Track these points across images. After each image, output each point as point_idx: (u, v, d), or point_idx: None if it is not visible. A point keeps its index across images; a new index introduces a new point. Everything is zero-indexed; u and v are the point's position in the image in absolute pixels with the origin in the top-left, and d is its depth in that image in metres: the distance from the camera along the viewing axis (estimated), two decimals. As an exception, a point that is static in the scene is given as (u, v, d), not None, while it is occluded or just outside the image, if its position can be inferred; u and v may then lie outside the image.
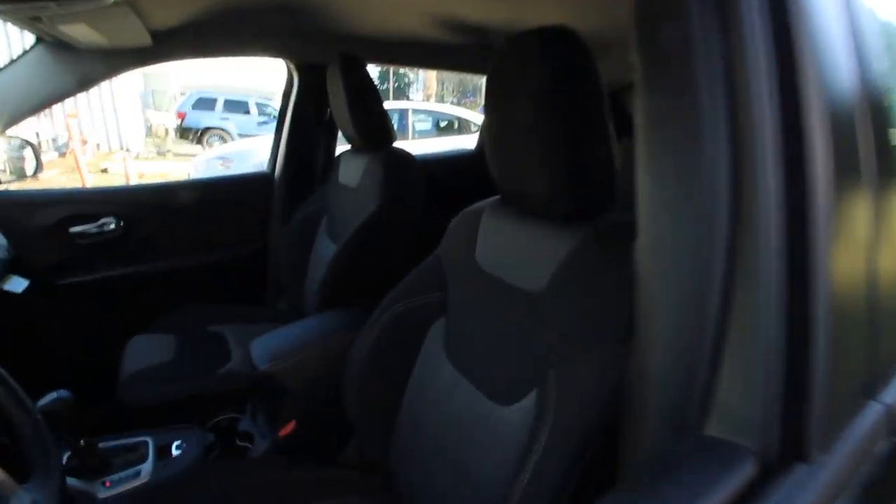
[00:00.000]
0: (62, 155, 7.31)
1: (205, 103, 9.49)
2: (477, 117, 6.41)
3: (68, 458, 0.87)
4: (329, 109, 1.58)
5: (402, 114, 5.99)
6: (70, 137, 6.06)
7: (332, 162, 1.61)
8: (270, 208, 1.66)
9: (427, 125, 6.30)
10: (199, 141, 9.18)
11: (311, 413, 0.98)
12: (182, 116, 9.39)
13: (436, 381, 0.83)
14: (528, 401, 0.65)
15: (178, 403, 1.05)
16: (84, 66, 1.14)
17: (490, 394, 0.73)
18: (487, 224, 0.80)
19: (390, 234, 1.24)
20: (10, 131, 1.20)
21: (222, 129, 9.27)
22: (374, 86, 1.30)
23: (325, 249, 1.40)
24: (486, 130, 0.73)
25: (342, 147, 1.51)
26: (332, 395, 0.97)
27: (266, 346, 0.98)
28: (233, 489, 0.81)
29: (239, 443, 1.04)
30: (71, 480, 0.85)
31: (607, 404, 0.55)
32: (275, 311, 1.53)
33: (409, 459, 0.84)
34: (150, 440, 0.97)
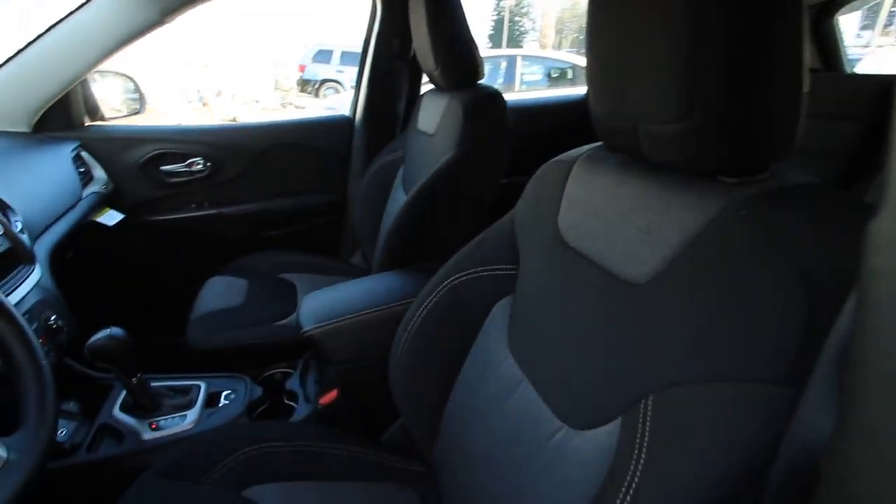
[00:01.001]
0: (204, 104, 8.20)
1: (323, 55, 9.87)
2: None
3: (124, 396, 0.88)
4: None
5: (511, 62, 5.50)
6: (203, 88, 6.70)
7: (412, 105, 1.45)
8: (350, 155, 1.57)
9: (538, 75, 5.76)
10: (317, 93, 9.65)
11: (354, 385, 0.89)
12: (302, 69, 9.90)
13: (493, 374, 0.66)
14: (610, 430, 0.47)
15: (236, 350, 1.02)
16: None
17: (558, 409, 0.54)
18: (578, 180, 0.58)
19: (466, 188, 1.05)
20: (106, 68, 1.23)
21: (336, 82, 9.61)
22: (462, 10, 1.09)
23: (397, 203, 1.27)
24: (590, 42, 0.50)
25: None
26: (378, 367, 0.86)
27: (313, 306, 0.88)
28: (263, 455, 0.74)
29: (286, 401, 0.99)
30: (123, 416, 0.86)
31: (733, 464, 0.34)
32: (347, 266, 1.46)
33: (455, 459, 0.70)
34: (202, 385, 0.96)
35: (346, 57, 9.89)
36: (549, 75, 5.90)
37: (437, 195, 1.02)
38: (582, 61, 6.37)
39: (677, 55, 0.40)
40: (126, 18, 1.10)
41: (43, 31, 1.08)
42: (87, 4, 1.08)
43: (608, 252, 0.51)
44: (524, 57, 5.80)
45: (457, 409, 0.71)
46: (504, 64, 5.51)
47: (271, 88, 10.35)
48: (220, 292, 1.21)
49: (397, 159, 1.36)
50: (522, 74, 5.59)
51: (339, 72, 9.67)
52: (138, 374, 0.85)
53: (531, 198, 0.67)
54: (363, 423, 0.89)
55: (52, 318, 0.83)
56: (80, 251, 1.12)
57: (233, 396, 0.94)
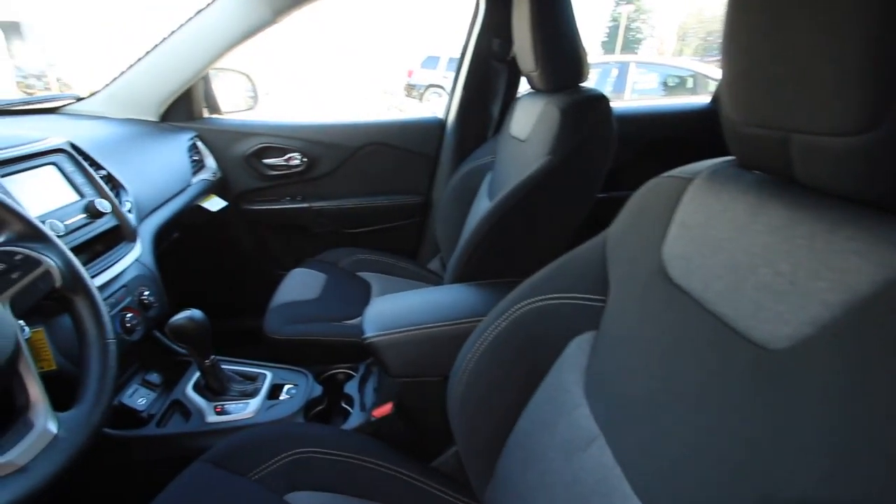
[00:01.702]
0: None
1: (431, 61, 10.19)
2: (720, 74, 5.13)
3: (197, 376, 0.92)
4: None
5: (623, 68, 5.12)
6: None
7: (508, 108, 1.37)
8: (439, 158, 1.53)
9: (652, 83, 5.31)
10: (421, 98, 9.98)
11: (411, 401, 0.83)
12: (410, 74, 10.30)
13: (562, 420, 0.56)
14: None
15: (304, 344, 1.03)
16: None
17: (640, 489, 0.43)
18: (696, 201, 0.46)
19: (556, 201, 0.95)
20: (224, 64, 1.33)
21: (440, 87, 9.86)
22: (570, 9, 0.99)
23: (480, 211, 1.20)
24: (730, 39, 0.39)
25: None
26: (438, 387, 0.80)
27: (378, 312, 0.84)
28: (310, 461, 0.72)
29: (343, 404, 0.97)
30: (194, 395, 0.89)
31: None
32: (424, 271, 1.43)
33: (509, 509, 0.61)
34: (268, 375, 0.97)
35: (451, 63, 10.09)
36: (665, 84, 5.43)
37: (523, 206, 0.93)
38: (706, 69, 5.77)
39: (863, 45, 0.27)
40: (242, 18, 1.18)
41: (172, 30, 1.19)
42: (210, 6, 1.16)
43: (730, 299, 0.39)
44: (639, 63, 5.37)
45: (517, 451, 0.61)
46: (615, 71, 5.15)
47: (378, 92, 10.91)
48: (299, 284, 1.24)
49: (486, 165, 1.29)
50: (635, 83, 5.18)
51: (445, 77, 9.91)
52: (212, 357, 0.88)
53: (631, 218, 0.55)
54: (415, 444, 0.83)
55: (147, 293, 0.89)
56: (182, 232, 1.21)
57: (294, 391, 0.94)
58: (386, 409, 0.82)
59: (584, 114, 0.94)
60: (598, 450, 0.49)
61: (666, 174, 0.53)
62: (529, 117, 1.06)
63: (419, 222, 1.60)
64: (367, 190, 1.54)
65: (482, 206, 1.22)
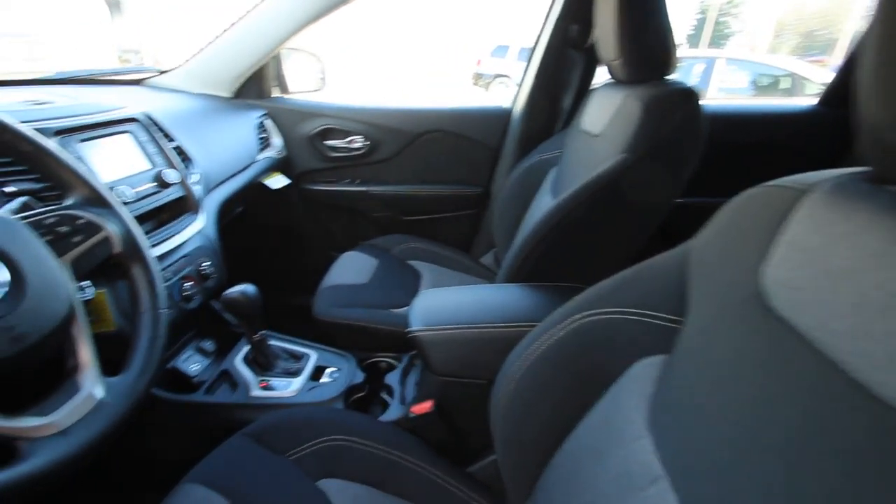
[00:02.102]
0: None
1: (501, 51, 10.00)
2: (821, 75, 4.57)
3: (247, 349, 0.94)
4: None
5: (709, 64, 4.70)
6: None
7: (581, 100, 1.28)
8: (502, 149, 1.47)
9: (741, 82, 4.84)
10: (488, 87, 9.84)
11: (452, 402, 0.79)
12: (479, 63, 10.17)
13: (617, 451, 0.50)
14: None
15: (350, 328, 1.02)
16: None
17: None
18: (813, 219, 0.38)
19: (628, 204, 0.87)
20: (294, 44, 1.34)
21: (508, 77, 9.66)
22: None
23: (542, 208, 1.13)
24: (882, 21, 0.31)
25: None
26: (482, 391, 0.76)
27: (425, 306, 0.81)
28: (346, 449, 0.71)
29: (383, 395, 0.95)
30: (242, 368, 0.91)
31: None
32: (476, 265, 1.38)
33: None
34: (312, 356, 0.97)
35: (522, 53, 9.85)
36: (755, 83, 4.94)
37: (589, 207, 0.85)
38: (805, 69, 5.18)
39: None
40: (317, -3, 1.17)
41: (249, 8, 1.21)
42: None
43: (854, 344, 0.31)
44: (728, 59, 4.90)
45: (562, 473, 0.56)
46: (700, 67, 4.74)
47: (443, 80, 10.85)
48: (350, 267, 1.24)
49: (551, 159, 1.21)
50: (721, 80, 4.75)
51: (513, 67, 9.69)
52: (261, 333, 0.89)
53: (723, 231, 0.47)
54: (453, 446, 0.79)
55: (206, 264, 0.92)
56: (245, 207, 1.25)
57: (336, 375, 0.93)
58: (426, 406, 0.79)
59: (670, 109, 0.84)
60: (660, 493, 0.42)
61: (770, 183, 0.45)
62: (605, 110, 0.98)
63: (475, 214, 1.55)
64: (426, 177, 1.52)
65: (544, 203, 1.15)
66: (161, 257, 0.81)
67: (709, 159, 0.94)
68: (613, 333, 0.54)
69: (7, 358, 0.39)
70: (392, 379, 0.97)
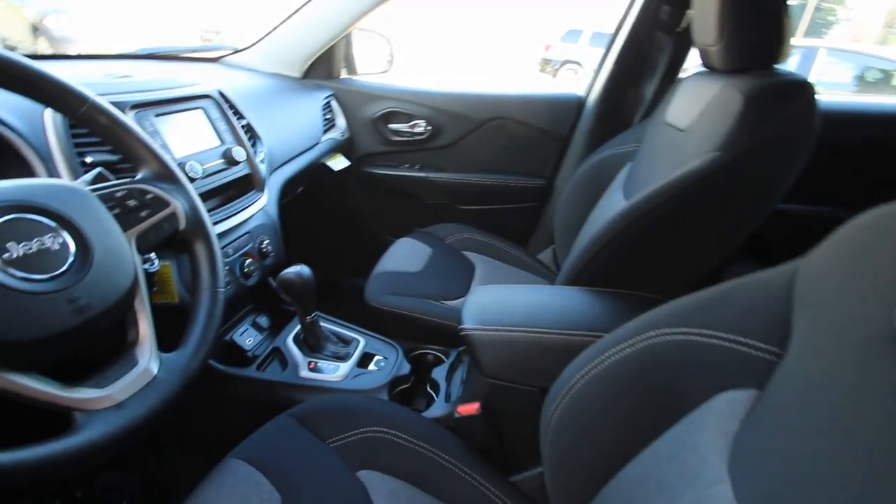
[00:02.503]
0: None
1: (572, 35, 9.58)
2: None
3: (298, 329, 0.95)
4: (690, 13, 1.11)
5: (807, 55, 4.19)
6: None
7: (666, 89, 1.17)
8: (571, 140, 1.38)
9: (844, 76, 4.31)
10: (555, 74, 9.49)
11: (500, 406, 0.75)
12: (548, 48, 9.81)
13: (689, 494, 0.43)
14: None
15: (399, 317, 1.00)
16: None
17: None
18: None
19: (718, 209, 0.77)
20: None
21: (577, 63, 9.25)
22: None
23: (612, 208, 1.05)
24: None
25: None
26: (533, 399, 0.71)
27: (480, 302, 0.77)
28: (389, 443, 0.69)
29: (428, 388, 0.93)
30: (293, 347, 0.92)
31: None
32: (533, 261, 1.32)
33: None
34: (361, 342, 0.96)
35: (595, 38, 9.38)
36: (861, 77, 4.38)
37: (670, 209, 0.77)
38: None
39: None
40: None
41: None
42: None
43: None
44: (830, 50, 4.35)
45: (618, 503, 0.51)
46: (795, 58, 4.25)
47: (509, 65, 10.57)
48: (404, 254, 1.22)
49: (625, 154, 1.12)
50: (821, 73, 4.23)
51: (586, 53, 9.26)
52: (314, 314, 0.89)
53: (847, 256, 0.39)
54: (497, 452, 0.76)
55: (266, 242, 0.93)
56: (306, 187, 1.26)
57: (382, 364, 0.92)
58: (472, 408, 0.76)
59: (777, 103, 0.73)
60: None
61: None
62: (696, 102, 0.88)
63: (536, 208, 1.48)
64: (487, 166, 1.46)
65: (614, 201, 1.07)
66: (224, 234, 0.83)
67: (818, 162, 0.82)
68: (693, 358, 0.47)
69: (70, 329, 0.40)
70: (438, 374, 0.95)
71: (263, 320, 1.00)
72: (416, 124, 1.44)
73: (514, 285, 0.86)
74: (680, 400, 0.47)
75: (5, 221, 0.38)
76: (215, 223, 0.80)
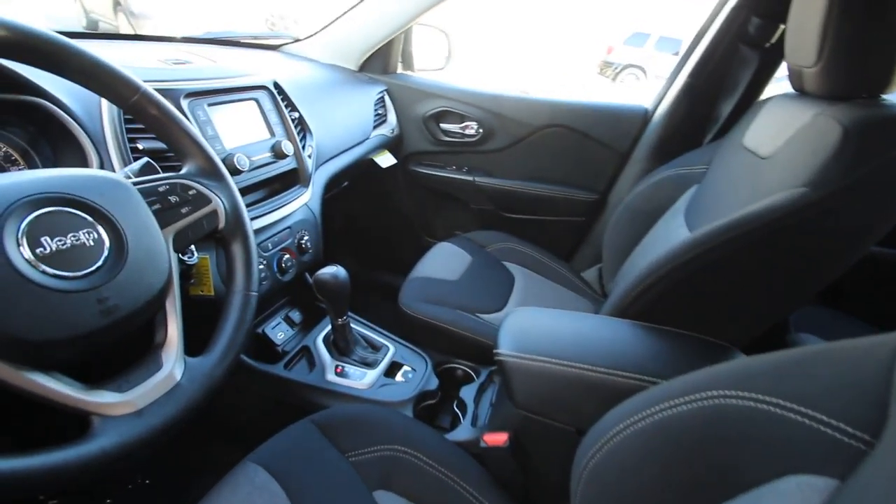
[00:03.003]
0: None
1: (637, 39, 9.18)
2: None
3: (329, 329, 0.93)
4: (782, 27, 1.00)
5: None
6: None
7: (746, 109, 1.07)
8: (631, 154, 1.30)
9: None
10: (615, 77, 9.14)
11: (531, 442, 0.70)
12: (610, 51, 9.46)
13: None
14: None
15: (431, 327, 0.97)
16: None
17: None
18: None
19: (799, 249, 0.68)
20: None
21: (640, 68, 8.86)
22: None
23: (671, 234, 0.97)
24: None
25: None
26: (568, 439, 0.66)
27: (518, 325, 0.72)
28: (409, 465, 0.66)
29: (455, 407, 0.89)
30: (321, 348, 0.90)
31: None
32: (576, 279, 1.25)
33: None
34: (390, 350, 0.94)
35: (662, 42, 8.96)
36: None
37: (742, 246, 0.68)
38: None
39: None
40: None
41: None
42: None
43: None
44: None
45: None
46: None
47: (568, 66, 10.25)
48: (443, 260, 1.18)
49: (692, 175, 1.03)
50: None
51: (650, 57, 8.86)
52: (345, 317, 0.87)
53: None
54: (524, 490, 0.71)
55: (306, 238, 0.92)
56: (350, 182, 1.24)
57: (410, 376, 0.89)
58: (500, 438, 0.71)
59: (882, 138, 0.64)
60: None
61: None
62: (782, 127, 0.78)
63: (585, 223, 1.40)
64: (538, 175, 1.40)
65: (674, 226, 0.98)
66: (265, 228, 0.82)
67: None
68: (762, 430, 0.40)
69: (96, 330, 0.38)
70: (467, 393, 0.91)
71: (296, 315, 0.99)
72: (467, 126, 1.39)
73: (558, 310, 0.80)
74: (739, 473, 0.40)
75: (41, 215, 0.37)
76: (257, 217, 0.80)
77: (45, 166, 0.59)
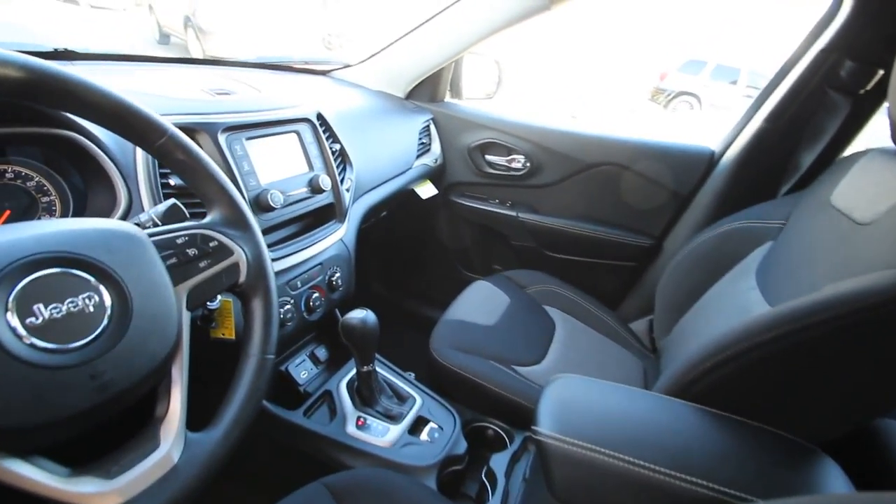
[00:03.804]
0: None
1: (693, 66, 8.90)
2: None
3: (353, 374, 0.87)
4: (881, 73, 0.88)
5: None
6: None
7: (830, 161, 0.94)
8: (692, 200, 1.19)
9: None
10: (667, 104, 8.87)
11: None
12: (663, 77, 9.21)
13: None
14: None
15: (464, 381, 0.89)
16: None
17: None
18: None
19: None
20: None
21: (694, 96, 8.56)
22: None
23: (739, 297, 0.86)
24: None
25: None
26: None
27: (561, 400, 0.63)
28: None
29: (483, 476, 0.81)
30: (344, 394, 0.84)
31: None
32: (623, 330, 1.14)
33: None
34: (416, 402, 0.87)
35: (719, 71, 8.64)
36: None
37: (843, 330, 0.57)
38: None
39: None
40: (512, 1, 1.04)
41: (436, 12, 1.14)
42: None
43: None
44: None
45: None
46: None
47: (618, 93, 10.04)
48: (479, 301, 1.11)
49: (765, 230, 0.92)
50: None
51: (705, 86, 8.55)
52: (371, 365, 0.81)
53: None
54: None
55: (337, 274, 0.87)
56: (388, 211, 1.20)
57: (436, 435, 0.81)
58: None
59: None
60: None
61: None
62: (885, 190, 0.67)
63: (636, 269, 1.30)
64: (586, 214, 1.31)
65: (743, 287, 0.87)
66: (296, 266, 0.77)
67: None
68: None
69: (87, 410, 0.34)
70: (498, 462, 0.82)
71: (321, 352, 0.94)
72: (514, 159, 1.33)
73: (608, 383, 0.70)
74: None
75: (37, 278, 0.33)
76: (287, 256, 0.76)
77: (75, 199, 0.57)
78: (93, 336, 0.35)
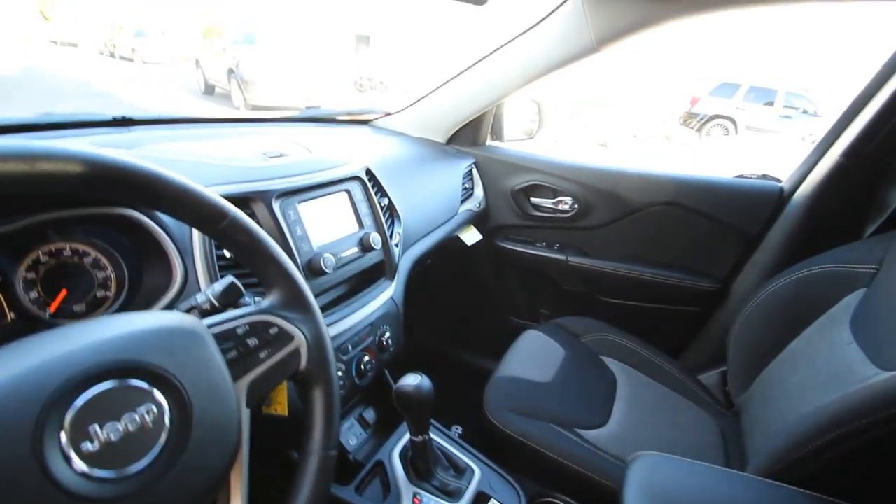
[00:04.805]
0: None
1: (726, 89, 8.73)
2: None
3: (407, 441, 0.82)
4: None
5: None
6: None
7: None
8: (762, 239, 1.10)
9: None
10: (700, 129, 8.68)
11: None
12: (694, 102, 9.06)
13: None
14: None
15: (524, 449, 0.82)
16: (609, 19, 0.94)
17: None
18: None
19: None
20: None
21: (729, 119, 8.34)
22: None
23: (836, 351, 0.76)
24: None
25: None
26: None
27: (652, 485, 0.56)
28: None
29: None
30: (398, 465, 0.78)
31: None
32: (693, 384, 1.04)
33: None
34: (476, 475, 0.79)
35: (754, 93, 8.43)
36: None
37: None
38: None
39: None
40: (560, 45, 1.02)
41: (479, 58, 1.13)
42: (528, 31, 1.04)
43: None
44: None
45: None
46: None
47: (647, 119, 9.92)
48: (532, 354, 1.04)
49: (854, 276, 0.82)
50: None
51: (739, 108, 8.34)
52: (427, 434, 0.75)
53: None
54: None
55: (387, 334, 0.83)
56: (433, 259, 1.16)
57: (498, 516, 0.74)
58: None
59: None
60: None
61: None
62: None
63: (700, 315, 1.20)
64: (642, 257, 1.23)
65: (837, 340, 0.78)
66: (347, 330, 0.74)
67: None
68: None
69: None
70: None
71: (370, 415, 0.89)
72: (561, 200, 1.28)
73: (699, 464, 0.62)
74: None
75: (93, 397, 0.30)
76: (339, 321, 0.72)
77: (130, 274, 0.55)
78: (152, 458, 0.31)
